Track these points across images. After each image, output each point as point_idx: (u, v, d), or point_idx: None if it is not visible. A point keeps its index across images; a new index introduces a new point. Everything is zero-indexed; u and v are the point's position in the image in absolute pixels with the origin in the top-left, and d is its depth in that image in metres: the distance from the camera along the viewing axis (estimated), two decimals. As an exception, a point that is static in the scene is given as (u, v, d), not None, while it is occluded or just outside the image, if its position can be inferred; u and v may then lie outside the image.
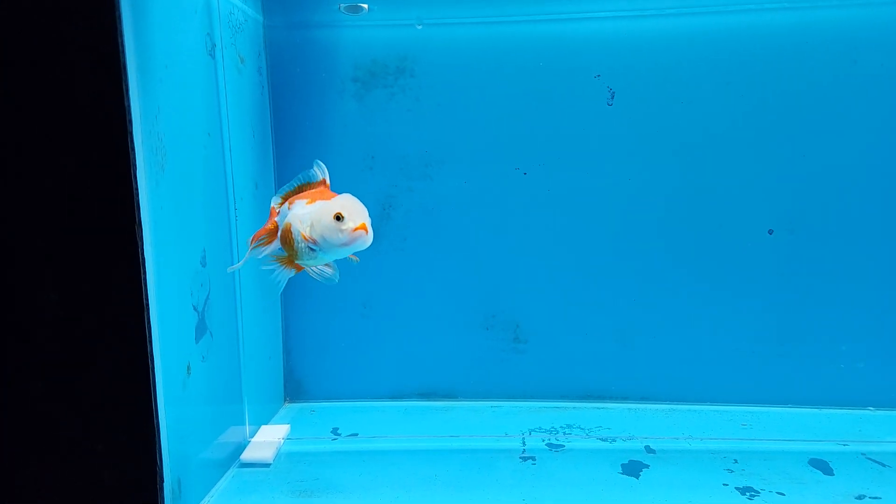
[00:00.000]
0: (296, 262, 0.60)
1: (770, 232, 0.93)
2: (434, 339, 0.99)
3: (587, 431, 0.87)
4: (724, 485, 0.71)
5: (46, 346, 0.57)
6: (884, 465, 0.75)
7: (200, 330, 0.69)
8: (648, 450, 0.81)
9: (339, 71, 0.95)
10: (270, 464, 0.77)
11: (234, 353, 0.79)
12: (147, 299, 0.57)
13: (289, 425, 0.87)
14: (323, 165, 0.63)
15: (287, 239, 0.59)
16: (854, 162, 0.91)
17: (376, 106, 0.96)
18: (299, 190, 0.63)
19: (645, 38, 0.92)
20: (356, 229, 0.56)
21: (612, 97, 0.94)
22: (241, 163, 0.82)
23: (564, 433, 0.86)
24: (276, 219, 0.63)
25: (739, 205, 0.93)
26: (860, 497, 0.68)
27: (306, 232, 0.57)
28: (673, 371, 0.97)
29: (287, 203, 0.62)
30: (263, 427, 0.85)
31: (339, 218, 0.56)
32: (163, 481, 0.60)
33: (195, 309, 0.68)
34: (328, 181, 0.62)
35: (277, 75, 0.94)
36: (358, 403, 0.98)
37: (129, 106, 0.54)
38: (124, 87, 0.53)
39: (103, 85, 0.53)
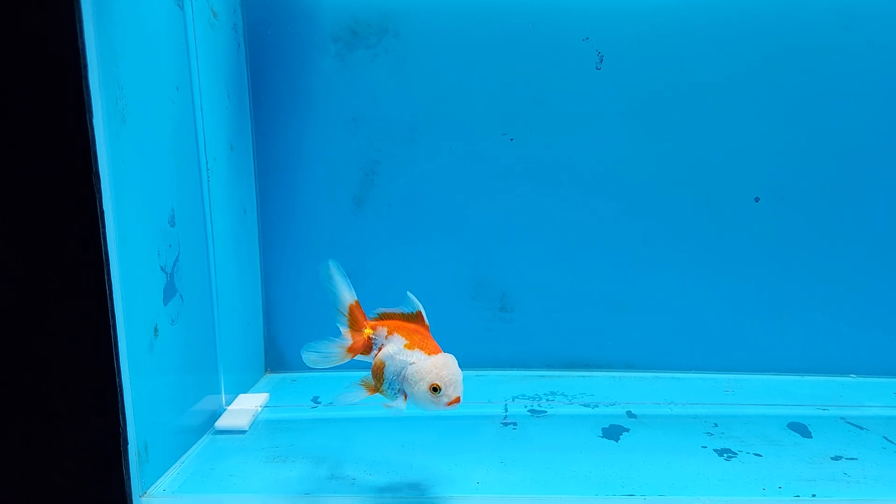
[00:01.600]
0: (378, 394, 0.60)
1: (756, 200, 0.91)
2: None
3: (570, 398, 0.86)
4: (702, 447, 0.70)
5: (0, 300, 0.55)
6: (861, 429, 0.75)
7: (169, 292, 0.67)
8: (630, 415, 0.80)
9: (319, 29, 0.91)
10: (246, 431, 0.75)
11: (207, 320, 0.77)
12: (107, 254, 0.55)
13: (267, 394, 0.85)
14: (415, 299, 0.61)
15: (378, 375, 0.60)
16: (842, 129, 0.90)
17: (359, 67, 0.92)
18: (398, 318, 0.62)
19: (634, 1, 0.89)
20: (450, 403, 0.55)
21: (601, 61, 0.92)
22: (215, 122, 0.79)
23: (547, 400, 0.85)
24: (371, 335, 0.62)
25: (727, 172, 0.92)
26: (836, 458, 0.67)
27: (401, 383, 0.58)
28: (658, 339, 0.96)
29: (386, 328, 0.61)
30: (241, 395, 0.83)
31: (435, 389, 0.55)
32: (127, 443, 0.58)
33: (163, 269, 0.66)
34: (426, 319, 0.61)
35: (254, 33, 0.91)
36: (342, 373, 0.93)
37: (83, 47, 0.51)
38: (78, 25, 0.51)
39: (55, 22, 0.50)
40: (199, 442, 0.72)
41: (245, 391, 0.87)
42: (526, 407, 0.83)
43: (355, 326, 0.62)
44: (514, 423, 0.77)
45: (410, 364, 0.57)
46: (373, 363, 0.60)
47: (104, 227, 0.55)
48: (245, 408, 0.79)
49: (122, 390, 0.57)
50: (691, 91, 0.90)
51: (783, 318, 0.93)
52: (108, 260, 0.56)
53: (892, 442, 0.71)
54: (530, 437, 0.74)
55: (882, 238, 0.91)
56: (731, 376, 0.92)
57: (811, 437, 0.73)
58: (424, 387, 0.55)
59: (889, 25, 0.87)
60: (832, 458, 0.67)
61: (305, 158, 0.94)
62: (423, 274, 0.97)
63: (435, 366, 0.56)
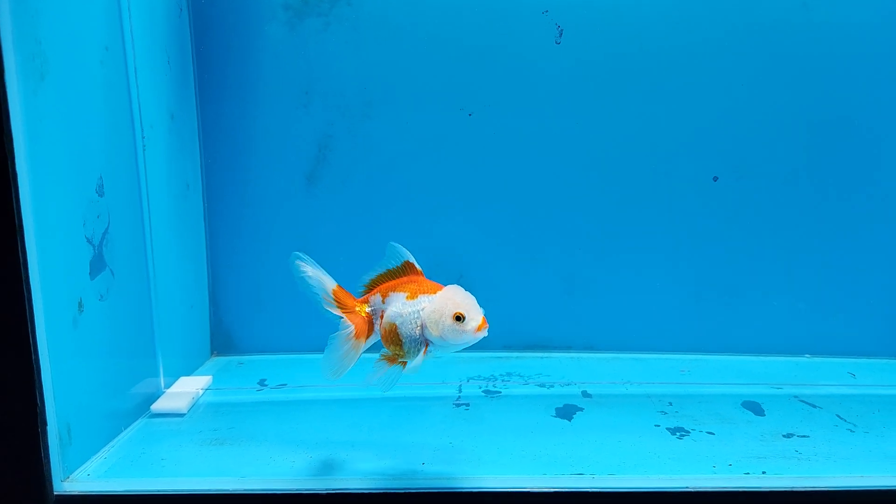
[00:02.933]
0: (401, 358, 0.56)
1: (715, 179, 0.90)
2: (373, 288, 0.94)
3: (526, 378, 0.84)
4: (655, 426, 0.69)
5: None
6: (814, 407, 0.75)
7: (97, 266, 0.63)
8: (585, 394, 0.78)
9: (268, -6, 0.88)
10: (185, 414, 0.72)
11: (143, 298, 0.73)
12: (20, 218, 0.51)
13: (210, 377, 0.81)
14: (404, 249, 0.57)
15: (393, 339, 0.55)
16: (803, 107, 0.89)
17: (310, 36, 0.89)
18: (386, 278, 0.57)
19: (592, -27, 0.88)
20: (479, 328, 0.52)
21: (561, 35, 0.90)
22: (153, 89, 0.75)
23: (503, 380, 0.83)
24: (367, 310, 0.57)
25: (686, 150, 0.90)
26: (788, 435, 0.67)
27: (420, 332, 0.53)
28: (617, 320, 0.95)
29: (378, 295, 0.57)
30: (182, 378, 0.79)
31: (459, 318, 0.51)
32: (45, 424, 0.54)
33: (89, 241, 0.62)
34: (416, 264, 0.56)
35: (199, -2, 0.87)
36: (292, 356, 0.93)
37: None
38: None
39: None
40: (133, 425, 0.68)
41: (188, 374, 0.83)
42: (481, 388, 0.81)
43: (349, 309, 0.57)
44: (467, 404, 0.75)
45: (421, 310, 0.53)
46: (382, 332, 0.56)
47: (17, 189, 0.51)
48: (185, 390, 0.75)
49: (39, 367, 0.53)
50: (651, 67, 0.88)
51: (740, 298, 0.92)
52: (21, 226, 0.51)
53: (844, 420, 0.71)
54: (482, 417, 0.72)
55: (838, 219, 0.91)
56: (689, 356, 0.91)
57: (764, 416, 0.72)
58: (448, 321, 0.51)
59: (847, 3, 0.87)
60: (784, 436, 0.66)
61: (254, 132, 0.90)
62: (379, 254, 0.94)
63: (447, 298, 0.53)
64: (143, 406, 0.72)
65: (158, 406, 0.72)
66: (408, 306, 0.54)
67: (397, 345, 0.55)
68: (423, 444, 0.64)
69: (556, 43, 0.90)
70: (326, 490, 0.56)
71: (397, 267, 0.57)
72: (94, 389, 0.63)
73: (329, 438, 0.66)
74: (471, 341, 0.52)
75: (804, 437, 0.66)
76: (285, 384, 0.82)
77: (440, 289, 0.54)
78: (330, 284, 0.58)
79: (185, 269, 0.85)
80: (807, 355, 0.92)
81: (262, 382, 0.82)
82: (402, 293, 0.55)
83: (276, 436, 0.66)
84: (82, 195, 0.61)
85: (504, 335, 0.96)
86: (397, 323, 0.54)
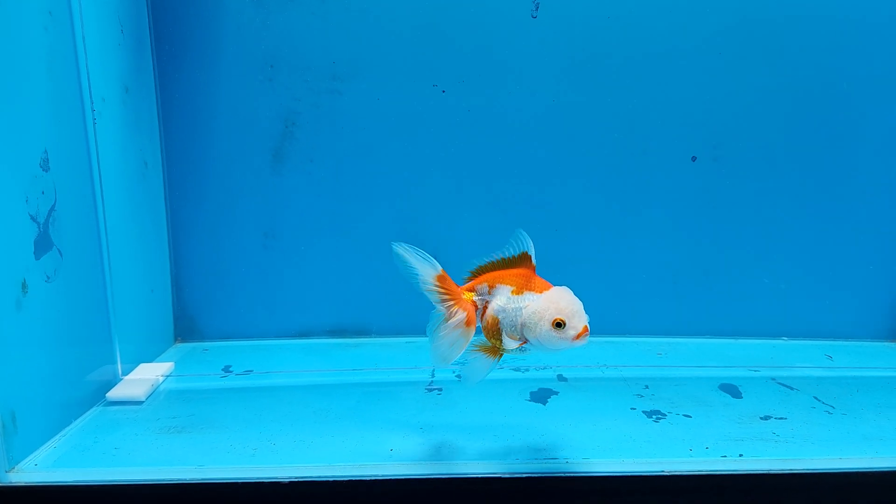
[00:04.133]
0: (500, 350, 0.54)
1: (693, 159, 0.88)
2: (345, 271, 0.91)
3: (501, 362, 0.80)
4: (631, 409, 0.67)
5: None
6: (791, 389, 0.74)
7: (42, 245, 0.59)
8: (560, 378, 0.76)
9: (229, -36, 0.83)
10: (143, 402, 0.68)
11: (96, 281, 0.69)
12: (-53, 193, 0.47)
13: (172, 363, 0.78)
14: (528, 239, 0.54)
15: (492, 332, 0.53)
16: (782, 90, 0.87)
17: (275, 6, 0.84)
18: (498, 265, 0.55)
19: (569, -54, 0.85)
20: (579, 335, 0.49)
21: (537, 9, 0.86)
22: (104, 60, 0.70)
23: (477, 365, 0.81)
24: (474, 298, 0.54)
25: (664, 129, 0.88)
26: (766, 418, 0.66)
27: (519, 334, 0.52)
28: (593, 303, 0.90)
29: (485, 283, 0.54)
30: (142, 365, 0.76)
31: (559, 325, 0.49)
32: (-16, 412, 0.50)
33: (33, 219, 0.58)
34: (533, 259, 0.54)
35: (156, -35, 0.82)
36: (259, 342, 0.90)
37: None
38: None
39: None
40: (87, 414, 0.65)
41: (149, 361, 0.79)
42: (454, 372, 0.78)
43: (455, 296, 0.54)
44: (440, 389, 0.73)
45: (524, 308, 0.51)
46: (484, 323, 0.54)
47: (-57, 161, 0.47)
48: (144, 377, 0.72)
49: (-24, 352, 0.50)
50: (629, 44, 0.86)
51: (717, 281, 0.91)
52: (-50, 200, 0.48)
53: (821, 402, 0.70)
54: (455, 402, 0.69)
55: (815, 202, 0.89)
56: (666, 340, 0.90)
57: (741, 398, 0.71)
58: (546, 326, 0.49)
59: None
60: (761, 418, 0.65)
61: (217, 107, 0.85)
62: (348, 235, 0.91)
63: (550, 301, 0.50)
64: (98, 394, 0.68)
65: (115, 394, 0.68)
66: (512, 302, 0.52)
67: (498, 339, 0.53)
68: (392, 429, 0.62)
69: (533, 17, 0.87)
70: (289, 478, 0.54)
71: (513, 257, 0.54)
72: (43, 375, 0.59)
73: (294, 425, 0.63)
74: (569, 348, 0.50)
75: (782, 419, 0.65)
76: (251, 370, 0.79)
77: (548, 287, 0.52)
78: (434, 272, 0.54)
79: (145, 250, 0.81)
80: (784, 338, 0.91)
81: (226, 369, 0.79)
82: (508, 286, 0.53)
83: (238, 423, 0.63)
84: (24, 169, 0.57)
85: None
86: (500, 318, 0.52)
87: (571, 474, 0.55)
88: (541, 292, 0.51)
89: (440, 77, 0.87)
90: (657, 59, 0.87)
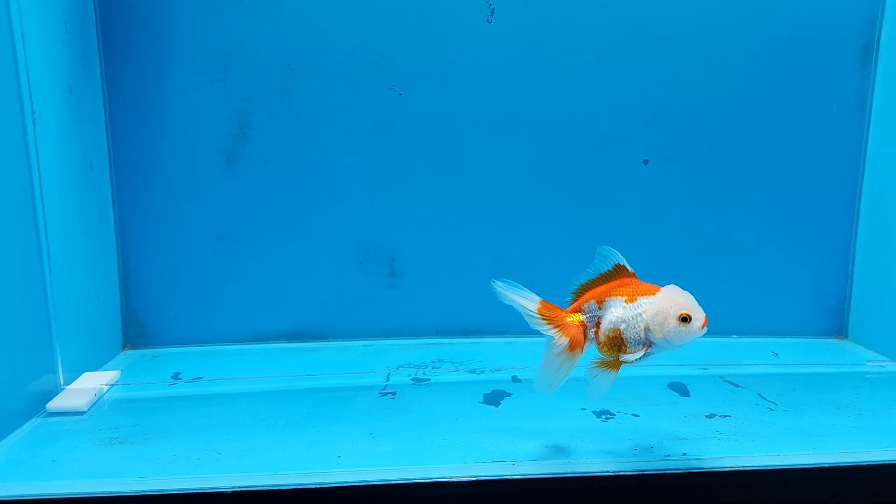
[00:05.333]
0: (621, 362, 0.55)
1: (645, 162, 0.90)
2: (301, 275, 0.90)
3: (457, 365, 0.82)
4: (582, 409, 0.68)
5: None
6: (738, 386, 0.75)
7: (-25, 250, 0.57)
8: (515, 379, 0.77)
9: (178, -40, 0.82)
10: (84, 412, 0.66)
11: (36, 286, 0.67)
12: None
13: (118, 371, 0.76)
14: (615, 251, 0.56)
15: (616, 344, 0.55)
16: (729, 95, 0.89)
17: (226, 6, 0.83)
18: (598, 282, 0.56)
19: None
20: (704, 324, 0.52)
21: (492, 14, 0.87)
22: (45, 58, 0.68)
23: (434, 368, 0.81)
24: (582, 318, 0.56)
25: (617, 132, 0.90)
26: (711, 416, 0.67)
27: (645, 335, 0.54)
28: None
29: (593, 301, 0.55)
30: (86, 374, 0.74)
31: (685, 319, 0.51)
32: None
33: (-37, 223, 0.56)
34: (628, 266, 0.56)
35: (101, -39, 0.80)
36: (212, 348, 0.88)
37: None
38: None
39: None
40: (25, 426, 0.63)
41: (94, 369, 0.77)
42: (410, 376, 0.78)
43: (559, 322, 0.56)
44: (394, 393, 0.73)
45: (643, 312, 0.53)
46: (603, 338, 0.55)
47: None
48: (87, 387, 0.70)
49: None
50: (583, 50, 0.87)
51: (670, 279, 0.92)
52: None
53: (765, 399, 0.72)
54: (408, 406, 0.69)
55: (760, 203, 0.92)
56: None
57: (689, 396, 0.72)
58: (674, 322, 0.51)
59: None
60: (707, 416, 0.67)
61: (167, 107, 0.84)
62: (306, 237, 0.90)
63: (669, 299, 0.52)
64: (38, 404, 0.66)
65: (55, 404, 0.66)
66: (630, 310, 0.53)
67: (620, 350, 0.54)
68: (342, 436, 0.61)
69: (488, 22, 0.87)
70: (232, 488, 0.53)
71: (609, 270, 0.56)
72: (-25, 387, 0.57)
73: (241, 434, 0.62)
74: (694, 339, 0.52)
75: (726, 416, 0.67)
76: (201, 377, 0.77)
77: (657, 289, 0.54)
78: (533, 304, 0.56)
79: (90, 255, 0.79)
80: (734, 336, 0.94)
81: (175, 376, 0.77)
82: (619, 297, 0.54)
83: (183, 432, 0.62)
84: (-48, 173, 0.55)
85: (437, 321, 0.93)
86: (622, 328, 0.53)
87: (518, 476, 0.55)
88: (653, 294, 0.53)
89: (397, 79, 0.87)
90: (611, 62, 0.88)
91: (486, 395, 0.72)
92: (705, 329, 0.52)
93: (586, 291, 0.56)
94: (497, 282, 0.57)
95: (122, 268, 0.86)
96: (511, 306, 0.57)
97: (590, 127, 0.89)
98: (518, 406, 0.69)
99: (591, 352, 0.57)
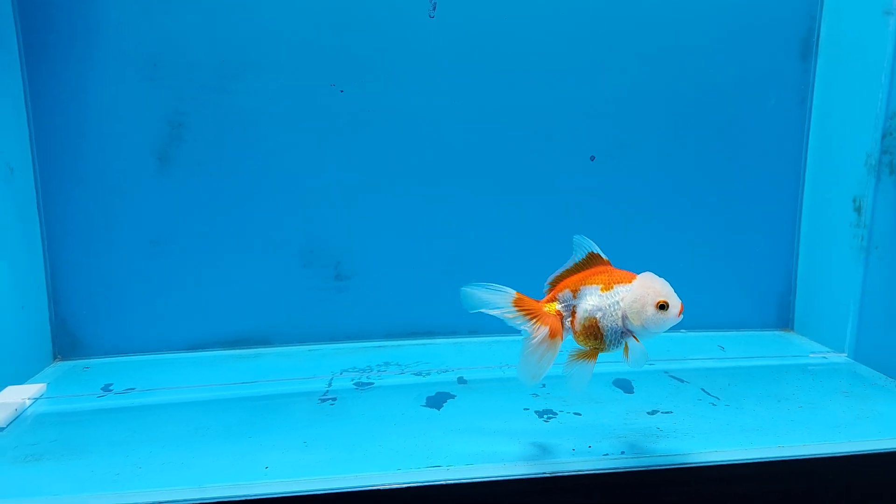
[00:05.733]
0: (598, 351, 0.55)
1: (592, 158, 0.90)
2: (242, 279, 0.87)
3: (403, 367, 0.80)
4: (524, 409, 0.67)
5: None
6: (682, 381, 0.75)
7: None
8: (461, 381, 0.76)
9: (104, -46, 0.78)
10: (4, 428, 0.63)
11: (-51, 296, 0.63)
12: None
13: (44, 384, 0.72)
14: (588, 240, 0.56)
15: (593, 333, 0.54)
16: (671, 90, 0.89)
17: (158, 2, 0.80)
18: (572, 272, 0.55)
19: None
20: (680, 311, 0.52)
21: (434, 8, 0.85)
22: (-48, 56, 0.65)
23: (379, 371, 0.79)
24: (557, 307, 0.54)
25: (565, 129, 0.89)
26: (652, 412, 0.67)
27: (622, 324, 0.53)
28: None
29: (567, 290, 0.54)
30: (9, 388, 0.70)
31: (663, 307, 0.51)
32: None
33: None
34: (602, 254, 0.55)
35: (18, -46, 0.76)
36: (148, 357, 0.85)
37: None
38: None
39: None
40: (-64, 445, 0.59)
41: (20, 382, 0.73)
42: (353, 380, 0.76)
43: (536, 314, 0.54)
44: (334, 399, 0.70)
45: (621, 301, 0.52)
46: (579, 327, 0.54)
47: None
48: (7, 402, 0.66)
49: None
50: (528, 44, 0.86)
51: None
52: None
53: (708, 393, 0.72)
54: (348, 412, 0.67)
55: (705, 197, 0.92)
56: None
57: (633, 393, 0.72)
58: (652, 310, 0.51)
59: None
60: (648, 413, 0.66)
61: (94, 108, 0.80)
62: (247, 240, 0.87)
63: (646, 286, 0.52)
64: (-49, 422, 0.62)
65: (-30, 421, 0.63)
66: (606, 298, 0.52)
67: (597, 339, 0.53)
68: (273, 445, 0.59)
69: (430, 17, 0.86)
70: (148, 503, 0.50)
71: (583, 259, 0.55)
72: None
73: (167, 446, 0.59)
74: (671, 326, 0.52)
75: (668, 413, 0.66)
76: (133, 388, 0.74)
77: (632, 277, 0.53)
78: (509, 296, 0.54)
79: (12, 264, 0.75)
80: (683, 330, 0.94)
81: (106, 388, 0.74)
82: (595, 285, 0.53)
83: (105, 447, 0.59)
84: None
85: (386, 323, 0.91)
86: (598, 317, 0.52)
87: (452, 481, 0.53)
88: (629, 282, 0.52)
89: (338, 77, 0.85)
90: (555, 59, 0.87)
91: (429, 398, 0.70)
92: (682, 316, 0.52)
93: (560, 282, 0.56)
94: (465, 287, 0.54)
95: (50, 276, 0.82)
96: (470, 308, 0.55)
97: (537, 123, 0.88)
98: (460, 408, 0.68)
99: (569, 343, 0.56)
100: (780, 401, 0.70)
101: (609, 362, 0.80)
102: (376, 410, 0.68)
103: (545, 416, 0.66)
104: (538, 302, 0.55)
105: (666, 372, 0.78)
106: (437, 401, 0.70)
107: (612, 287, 0.53)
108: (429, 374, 0.78)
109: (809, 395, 0.71)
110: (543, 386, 0.73)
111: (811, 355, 0.85)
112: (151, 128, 0.82)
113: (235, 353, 0.86)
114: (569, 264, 0.56)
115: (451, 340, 0.90)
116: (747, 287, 0.94)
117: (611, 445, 0.59)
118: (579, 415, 0.66)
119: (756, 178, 0.92)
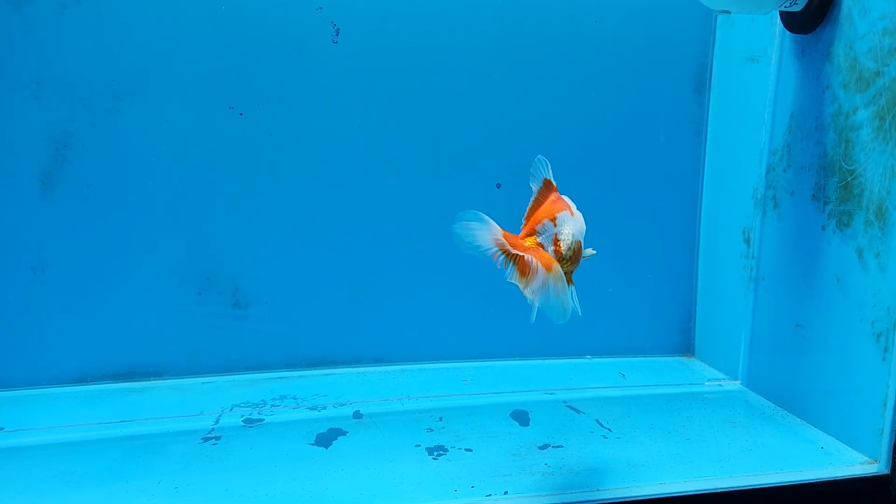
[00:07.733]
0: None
1: (498, 186, 0.90)
2: (131, 308, 0.82)
3: (299, 401, 0.77)
4: (416, 446, 0.66)
5: None
6: (578, 412, 0.75)
7: None
8: (356, 415, 0.73)
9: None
10: None
11: None
12: None
13: None
14: (545, 162, 0.56)
15: (577, 256, 0.53)
16: (574, 118, 0.90)
17: (41, 20, 0.76)
18: (538, 201, 0.55)
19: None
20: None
21: (337, 34, 0.84)
22: None
23: (272, 405, 0.76)
24: (538, 239, 0.53)
25: (469, 156, 0.89)
26: (543, 447, 0.66)
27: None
28: (405, 330, 0.91)
29: (546, 220, 0.53)
30: None
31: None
32: None
33: None
34: (553, 180, 0.55)
35: None
36: (27, 392, 0.79)
37: None
38: None
39: None
40: None
41: None
42: (243, 416, 0.73)
43: (522, 249, 0.52)
44: (218, 438, 0.67)
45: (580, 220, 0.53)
46: (568, 252, 0.52)
47: None
48: None
49: None
50: (433, 69, 0.86)
51: (523, 303, 0.92)
52: None
53: (602, 426, 0.72)
54: (230, 453, 0.64)
55: (614, 223, 0.93)
56: (475, 363, 0.90)
57: (528, 426, 0.71)
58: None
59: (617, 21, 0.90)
60: (539, 448, 0.66)
61: (-33, 126, 0.75)
62: (137, 267, 0.82)
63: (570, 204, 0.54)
64: None
65: None
66: (578, 222, 0.53)
67: (575, 262, 0.53)
68: (140, 492, 0.56)
69: (333, 42, 0.84)
70: (-17, 570, 0.46)
71: (541, 187, 0.55)
72: None
73: (21, 495, 0.55)
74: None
75: (559, 447, 0.66)
76: (2, 428, 0.69)
77: (563, 200, 0.54)
78: (495, 234, 0.51)
79: None
80: (588, 356, 0.95)
81: (-30, 428, 0.69)
82: (564, 211, 0.53)
83: (-51, 500, 0.55)
84: None
85: (286, 353, 0.88)
86: (581, 239, 0.53)
87: (324, 531, 0.52)
88: (569, 206, 0.53)
89: (237, 99, 0.82)
90: (460, 86, 0.87)
91: (318, 436, 0.68)
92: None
93: (532, 214, 0.55)
94: (463, 222, 0.52)
95: (-88, 305, 0.76)
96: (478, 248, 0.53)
97: (441, 150, 0.88)
98: (349, 447, 0.66)
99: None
100: (669, 433, 0.70)
101: (511, 392, 0.81)
102: (260, 451, 0.65)
103: (435, 454, 0.64)
104: (518, 238, 0.54)
105: (564, 402, 0.78)
106: (326, 438, 0.67)
107: (574, 211, 0.54)
108: (324, 408, 0.76)
109: (699, 426, 0.72)
110: (440, 419, 0.72)
111: (707, 383, 0.87)
112: (34, 148, 0.77)
113: (123, 387, 0.81)
114: (534, 195, 0.56)
115: (355, 370, 0.88)
116: (650, 314, 0.96)
117: (494, 485, 0.58)
118: (470, 451, 0.65)
119: (655, 206, 0.94)
